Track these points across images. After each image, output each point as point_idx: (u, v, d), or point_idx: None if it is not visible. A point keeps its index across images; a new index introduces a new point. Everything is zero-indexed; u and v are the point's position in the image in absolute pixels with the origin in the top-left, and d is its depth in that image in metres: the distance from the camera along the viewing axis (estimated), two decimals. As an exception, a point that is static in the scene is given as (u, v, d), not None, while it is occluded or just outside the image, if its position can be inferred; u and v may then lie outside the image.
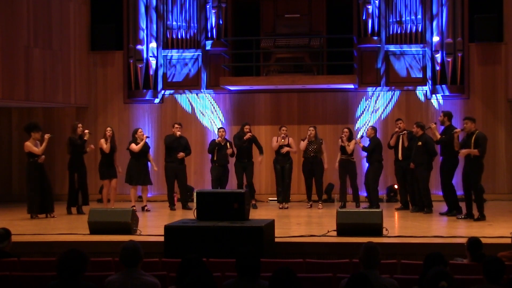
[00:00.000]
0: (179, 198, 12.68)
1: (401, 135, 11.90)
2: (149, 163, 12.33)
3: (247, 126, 12.62)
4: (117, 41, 14.86)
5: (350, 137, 12.38)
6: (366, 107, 14.38)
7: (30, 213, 11.05)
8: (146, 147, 12.21)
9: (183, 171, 12.46)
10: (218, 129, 12.95)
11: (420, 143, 11.33)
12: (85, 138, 11.78)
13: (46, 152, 11.29)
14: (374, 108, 14.36)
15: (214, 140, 12.73)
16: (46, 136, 11.23)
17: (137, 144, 12.07)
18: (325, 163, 12.49)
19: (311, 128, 12.47)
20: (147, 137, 12.32)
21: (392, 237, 8.40)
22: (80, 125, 11.89)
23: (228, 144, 12.62)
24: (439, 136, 11.02)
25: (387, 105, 14.37)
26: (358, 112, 14.39)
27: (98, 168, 12.13)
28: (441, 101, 14.19)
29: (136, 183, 12.15)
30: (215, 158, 12.52)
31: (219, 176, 12.49)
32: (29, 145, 11.06)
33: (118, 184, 12.28)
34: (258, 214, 11.38)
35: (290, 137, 12.69)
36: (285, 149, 12.50)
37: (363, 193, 12.63)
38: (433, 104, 14.24)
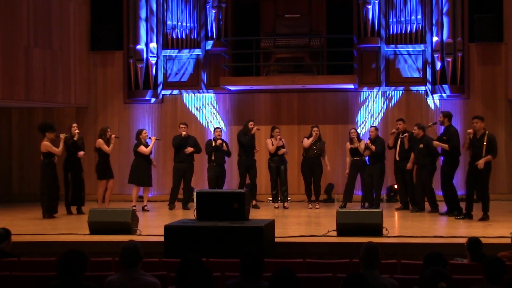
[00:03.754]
0: (180, 198, 12.69)
1: (403, 138, 11.85)
2: (151, 164, 12.35)
3: (251, 122, 12.62)
4: (117, 41, 14.85)
5: (358, 137, 12.34)
6: (366, 107, 14.38)
7: (45, 214, 11.03)
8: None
9: (191, 171, 12.52)
10: (215, 129, 12.96)
11: (422, 145, 11.33)
12: (75, 139, 11.67)
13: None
14: (374, 108, 14.36)
15: (211, 140, 12.74)
16: (62, 135, 11.21)
17: (146, 146, 12.08)
18: (328, 165, 12.44)
19: (316, 128, 12.44)
20: (157, 139, 12.33)
21: (392, 237, 8.40)
22: (75, 125, 11.84)
23: (224, 144, 12.62)
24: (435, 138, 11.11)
25: (387, 105, 14.37)
26: (358, 112, 14.39)
27: (95, 168, 12.11)
28: (441, 101, 14.19)
29: (140, 184, 12.19)
30: (213, 158, 12.53)
31: (216, 175, 12.50)
32: (49, 145, 11.04)
33: (118, 184, 12.28)
34: (258, 214, 11.38)
35: (282, 138, 12.68)
36: (282, 150, 12.51)
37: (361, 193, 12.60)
38: (433, 104, 14.24)
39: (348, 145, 12.32)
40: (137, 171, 12.12)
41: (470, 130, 10.39)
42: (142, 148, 12.09)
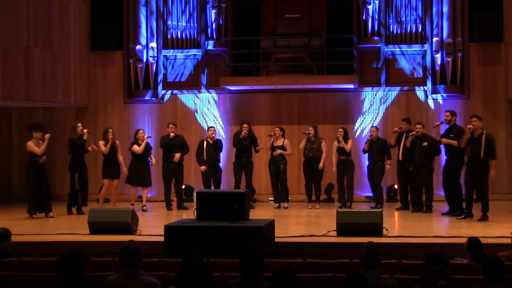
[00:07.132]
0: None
1: (410, 136, 11.71)
2: (150, 163, 12.34)
3: (245, 125, 12.61)
4: (117, 41, 14.85)
5: (346, 136, 12.33)
6: (366, 107, 14.38)
7: (28, 213, 11.08)
8: (148, 147, 12.25)
9: (181, 171, 12.48)
10: (209, 128, 12.94)
11: (426, 143, 11.30)
12: (84, 138, 11.80)
13: (46, 152, 11.29)
14: (374, 108, 14.36)
15: (203, 140, 12.73)
16: (46, 136, 11.22)
17: (139, 145, 12.11)
18: (321, 163, 12.35)
19: (310, 128, 12.44)
20: (148, 137, 12.36)
21: (392, 237, 8.40)
22: (79, 124, 11.91)
23: (216, 143, 12.59)
24: (439, 138, 11.06)
25: (387, 105, 14.36)
26: (358, 112, 14.38)
27: (101, 168, 12.13)
28: (441, 101, 14.19)
29: (136, 184, 12.19)
30: (204, 158, 12.51)
31: (209, 176, 12.47)
32: (30, 145, 11.09)
33: (118, 184, 12.28)
34: (258, 214, 11.38)
35: (286, 139, 12.65)
36: (277, 151, 12.46)
37: (363, 193, 12.60)
38: (433, 104, 14.23)
39: (336, 144, 12.30)
40: (130, 171, 12.16)
41: (470, 126, 10.33)
42: (134, 147, 12.16)
